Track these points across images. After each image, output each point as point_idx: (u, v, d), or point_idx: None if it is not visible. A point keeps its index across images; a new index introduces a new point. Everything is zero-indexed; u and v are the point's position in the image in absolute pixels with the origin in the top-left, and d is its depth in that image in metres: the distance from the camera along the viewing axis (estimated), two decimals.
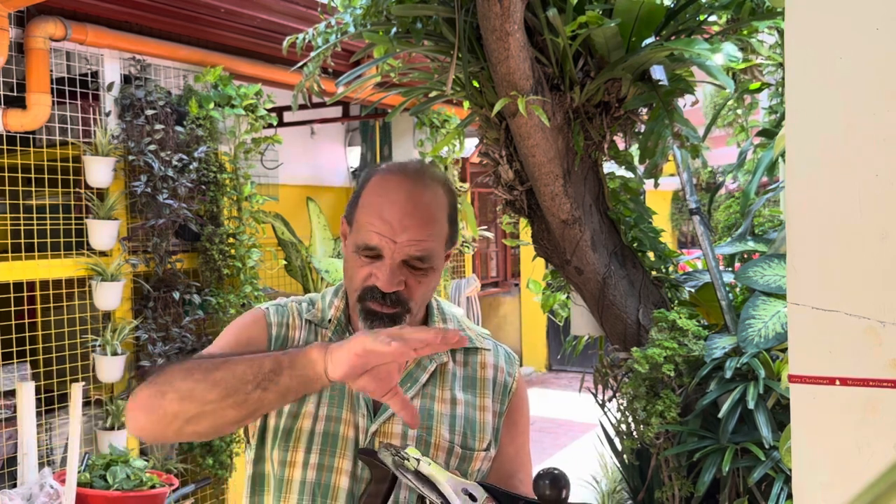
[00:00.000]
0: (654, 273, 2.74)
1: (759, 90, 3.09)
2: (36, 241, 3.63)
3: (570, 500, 0.96)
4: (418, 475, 0.96)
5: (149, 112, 3.69)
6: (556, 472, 0.96)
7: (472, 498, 0.97)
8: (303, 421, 1.17)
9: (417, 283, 1.16)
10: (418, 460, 0.97)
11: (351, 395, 1.18)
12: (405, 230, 1.13)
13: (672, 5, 2.34)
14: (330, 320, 1.24)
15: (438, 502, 0.95)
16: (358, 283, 1.16)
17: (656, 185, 2.47)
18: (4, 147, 3.47)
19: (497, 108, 2.21)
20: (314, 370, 0.96)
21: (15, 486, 3.00)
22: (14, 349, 3.37)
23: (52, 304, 3.54)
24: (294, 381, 0.97)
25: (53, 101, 3.47)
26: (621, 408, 2.81)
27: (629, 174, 2.74)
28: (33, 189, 3.60)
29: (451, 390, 1.21)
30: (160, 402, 1.01)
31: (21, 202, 3.53)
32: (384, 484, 1.01)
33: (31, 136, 3.76)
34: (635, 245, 2.69)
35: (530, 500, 0.98)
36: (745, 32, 2.44)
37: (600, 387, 3.01)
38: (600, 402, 3.09)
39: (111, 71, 3.77)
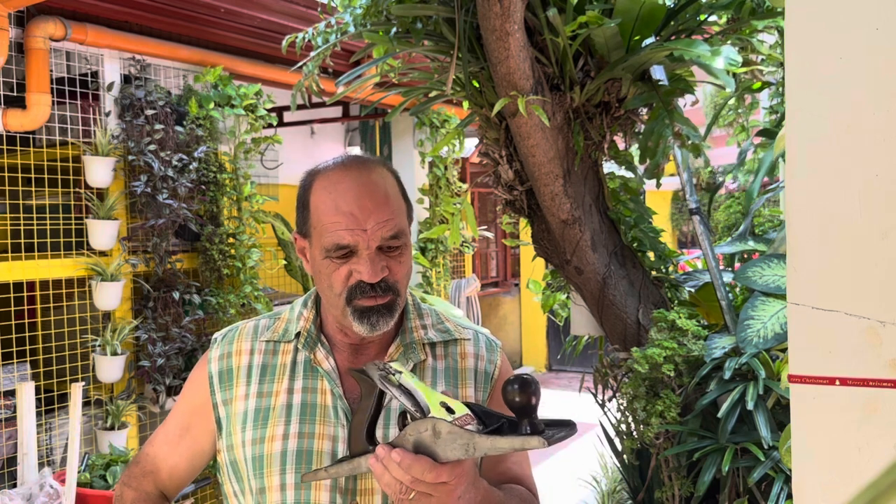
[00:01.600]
0: (654, 273, 2.74)
1: (759, 90, 3.09)
2: (36, 241, 3.63)
3: (552, 428, 0.95)
4: (401, 388, 0.99)
5: (149, 112, 3.69)
6: (525, 377, 0.95)
7: (450, 410, 0.97)
8: (271, 444, 1.15)
9: (398, 264, 1.14)
10: (401, 373, 1.00)
11: (324, 407, 1.16)
12: (369, 216, 1.11)
13: (672, 5, 2.34)
14: (299, 333, 1.21)
15: (413, 410, 0.97)
16: (340, 287, 1.13)
17: (658, 184, 2.47)
18: (4, 147, 3.47)
19: (497, 108, 2.21)
20: None
21: (15, 486, 3.00)
22: (14, 349, 3.37)
23: (52, 304, 3.54)
24: None
25: (53, 101, 3.47)
26: (621, 408, 2.81)
27: (629, 174, 2.74)
28: (33, 189, 3.60)
29: (432, 385, 1.20)
30: None
31: (21, 202, 3.53)
32: (372, 398, 1.03)
33: (31, 136, 3.76)
34: (635, 245, 2.69)
35: (510, 418, 0.98)
36: (745, 32, 2.44)
37: (600, 387, 3.01)
38: (600, 402, 3.09)
39: (111, 71, 3.77)
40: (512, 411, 0.94)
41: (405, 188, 1.22)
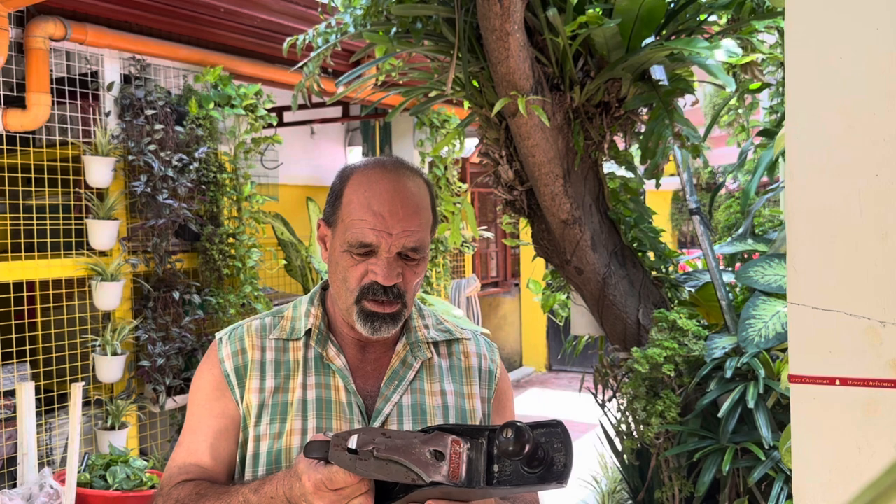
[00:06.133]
0: (654, 273, 2.74)
1: (759, 90, 3.09)
2: (36, 241, 3.63)
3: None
4: (378, 462, 0.93)
5: (149, 112, 3.69)
6: (518, 424, 0.94)
7: (440, 455, 0.95)
8: (290, 439, 1.15)
9: (413, 275, 1.17)
10: (373, 447, 0.93)
11: (340, 403, 1.17)
12: (398, 222, 1.12)
13: (672, 5, 2.34)
14: (309, 331, 1.21)
15: (409, 481, 0.93)
16: (354, 284, 1.14)
17: (658, 185, 2.47)
18: (4, 147, 3.46)
19: (497, 108, 2.21)
20: None
21: (15, 486, 3.00)
22: (14, 349, 3.37)
23: (52, 304, 3.54)
24: None
25: (53, 101, 3.47)
26: (621, 408, 2.81)
27: (629, 174, 2.74)
28: (33, 189, 3.60)
29: (440, 383, 1.22)
30: None
31: (21, 202, 3.53)
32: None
33: (31, 136, 3.76)
34: (635, 245, 2.69)
35: (492, 428, 0.98)
36: (745, 32, 2.44)
37: (600, 387, 3.01)
38: (600, 402, 3.09)
39: (111, 71, 3.77)
40: (509, 458, 0.95)
41: (436, 203, 1.24)
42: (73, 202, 3.72)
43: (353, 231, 1.13)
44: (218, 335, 1.25)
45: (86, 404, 3.59)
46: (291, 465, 1.12)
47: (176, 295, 3.76)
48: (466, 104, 2.65)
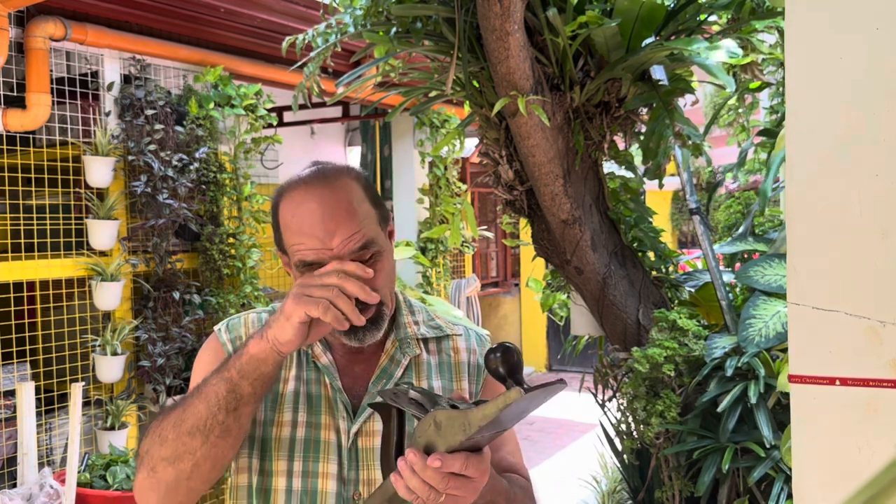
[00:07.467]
0: (654, 273, 2.74)
1: (759, 89, 3.09)
2: (36, 241, 3.63)
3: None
4: (411, 401, 1.01)
5: (149, 112, 3.69)
6: (507, 344, 0.96)
7: (455, 408, 0.99)
8: (280, 429, 1.17)
9: (377, 271, 1.15)
10: (409, 383, 1.06)
11: (328, 399, 1.19)
12: (333, 234, 1.11)
13: (672, 5, 2.34)
14: None
15: (419, 413, 1.00)
16: None
17: (661, 185, 2.47)
18: (4, 147, 3.46)
19: (497, 108, 2.21)
20: (266, 365, 1.04)
21: (15, 486, 3.00)
22: (14, 349, 3.37)
23: (52, 304, 3.54)
24: (256, 384, 1.05)
25: (53, 101, 3.47)
26: (621, 408, 2.82)
27: (629, 174, 2.74)
28: (33, 189, 3.60)
29: (428, 380, 1.23)
30: (155, 477, 1.07)
31: (21, 202, 3.53)
32: (392, 422, 1.04)
33: (31, 136, 3.76)
34: (635, 245, 2.69)
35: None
36: (745, 31, 2.44)
37: (600, 387, 3.01)
38: (600, 402, 3.09)
39: (111, 71, 3.77)
40: (496, 378, 0.96)
41: (375, 191, 1.21)
42: (73, 202, 3.72)
43: (297, 256, 1.13)
44: (216, 326, 1.28)
45: (86, 404, 3.59)
46: (279, 454, 1.16)
47: (176, 295, 3.76)
48: (466, 104, 2.65)
